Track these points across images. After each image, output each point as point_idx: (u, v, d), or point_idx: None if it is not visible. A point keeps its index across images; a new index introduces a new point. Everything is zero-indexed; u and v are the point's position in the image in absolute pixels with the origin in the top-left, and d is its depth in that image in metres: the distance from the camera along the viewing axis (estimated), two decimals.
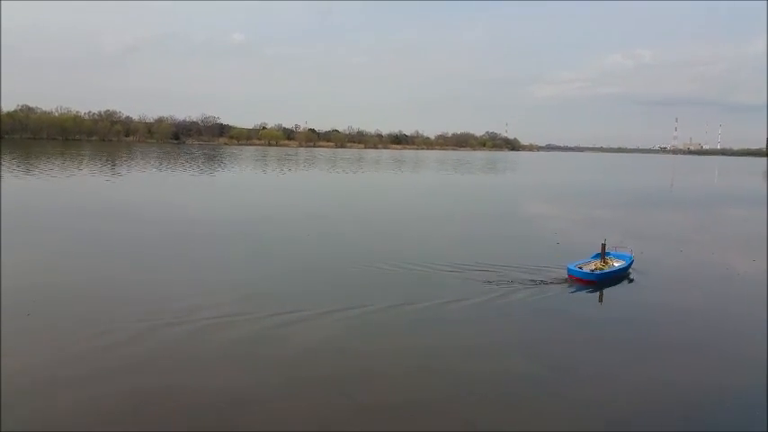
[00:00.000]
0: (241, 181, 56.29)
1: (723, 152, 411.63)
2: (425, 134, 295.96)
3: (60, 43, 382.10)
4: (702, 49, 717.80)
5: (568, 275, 17.37)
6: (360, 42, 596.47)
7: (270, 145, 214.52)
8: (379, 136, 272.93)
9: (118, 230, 23.59)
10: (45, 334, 11.51)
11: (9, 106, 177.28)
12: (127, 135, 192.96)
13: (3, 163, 61.19)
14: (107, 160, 78.46)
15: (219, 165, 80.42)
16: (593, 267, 18.15)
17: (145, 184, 48.41)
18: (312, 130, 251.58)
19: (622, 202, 44.96)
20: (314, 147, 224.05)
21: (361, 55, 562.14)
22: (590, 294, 15.87)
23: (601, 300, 15.80)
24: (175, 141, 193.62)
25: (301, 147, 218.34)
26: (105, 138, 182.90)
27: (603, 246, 19.00)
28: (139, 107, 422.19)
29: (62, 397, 8.98)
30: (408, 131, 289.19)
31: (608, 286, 16.94)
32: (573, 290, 16.12)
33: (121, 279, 15.96)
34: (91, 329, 11.74)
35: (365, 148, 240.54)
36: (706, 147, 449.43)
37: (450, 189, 56.57)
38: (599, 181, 78.40)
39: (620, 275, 18.11)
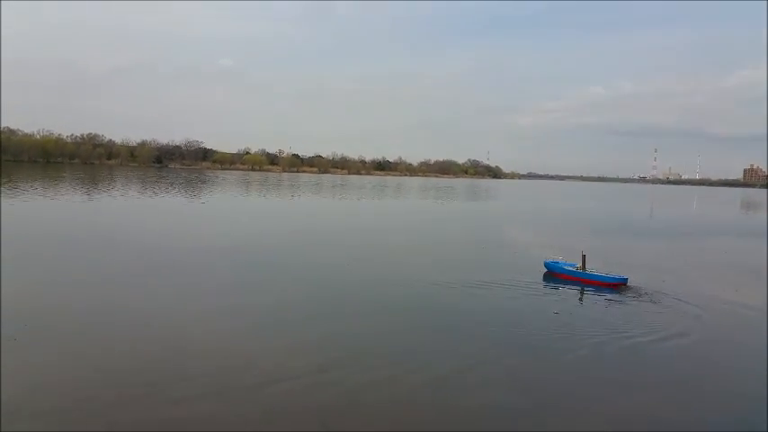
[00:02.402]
0: (228, 206, 55.88)
1: (701, 182, 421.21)
2: (408, 161, 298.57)
3: (44, 64, 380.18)
4: (683, 82, 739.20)
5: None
6: (346, 69, 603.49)
7: (253, 170, 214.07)
8: (363, 162, 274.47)
9: (119, 258, 23.04)
10: (29, 362, 10.99)
11: None
12: (109, 158, 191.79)
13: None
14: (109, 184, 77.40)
15: (203, 190, 79.80)
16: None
17: (125, 208, 47.72)
18: (296, 156, 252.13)
19: (603, 231, 45.33)
20: (297, 172, 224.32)
21: (349, 82, 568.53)
22: (570, 325, 15.69)
23: (586, 329, 15.60)
24: (158, 165, 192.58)
25: (285, 172, 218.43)
26: (87, 161, 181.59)
27: (584, 257, 21.03)
28: (123, 130, 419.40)
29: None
30: (392, 158, 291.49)
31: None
32: (554, 314, 15.97)
33: (128, 307, 15.45)
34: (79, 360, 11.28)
35: (348, 173, 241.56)
36: (685, 176, 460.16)
37: (438, 216, 56.76)
38: (579, 209, 79.21)
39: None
